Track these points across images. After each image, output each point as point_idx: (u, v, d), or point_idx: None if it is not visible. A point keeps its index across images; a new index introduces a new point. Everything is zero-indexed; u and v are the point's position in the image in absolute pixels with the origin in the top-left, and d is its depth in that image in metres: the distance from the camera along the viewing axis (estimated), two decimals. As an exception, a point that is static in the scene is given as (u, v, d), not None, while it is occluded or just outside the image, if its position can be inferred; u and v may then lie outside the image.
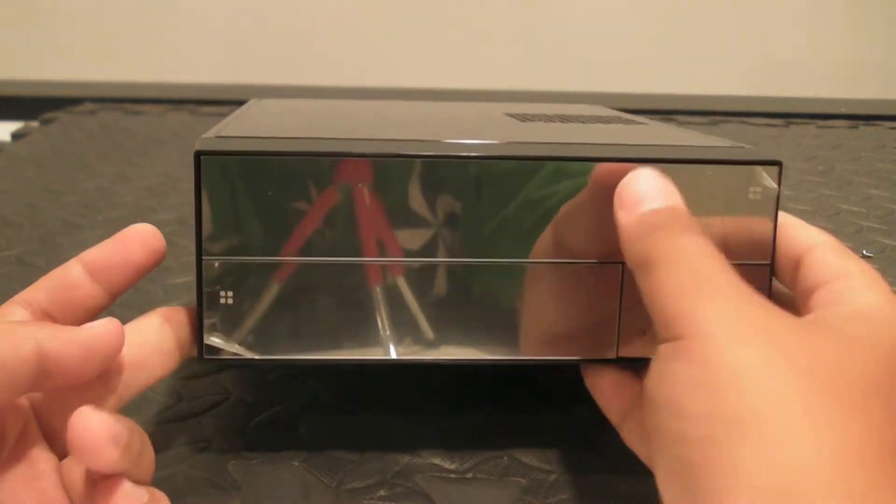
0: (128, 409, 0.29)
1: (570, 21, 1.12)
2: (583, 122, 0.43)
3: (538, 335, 0.32)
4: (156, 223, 0.32)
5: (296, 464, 0.34)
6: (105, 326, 0.27)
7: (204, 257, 0.31)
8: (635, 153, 0.31)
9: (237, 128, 0.35)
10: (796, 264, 0.31)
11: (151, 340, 0.30)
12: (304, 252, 0.31)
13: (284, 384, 0.40)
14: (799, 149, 0.87)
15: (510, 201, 0.31)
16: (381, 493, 0.33)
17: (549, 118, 0.44)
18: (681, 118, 0.99)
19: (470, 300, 0.32)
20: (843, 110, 1.08)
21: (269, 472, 0.34)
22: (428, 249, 0.32)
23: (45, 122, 0.91)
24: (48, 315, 0.30)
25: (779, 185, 0.32)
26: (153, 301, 0.49)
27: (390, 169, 0.31)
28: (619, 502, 0.33)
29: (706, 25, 1.13)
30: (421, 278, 0.32)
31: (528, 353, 0.33)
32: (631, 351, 0.33)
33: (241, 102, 0.50)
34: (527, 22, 1.12)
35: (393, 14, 1.10)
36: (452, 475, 0.34)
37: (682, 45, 1.13)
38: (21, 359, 0.25)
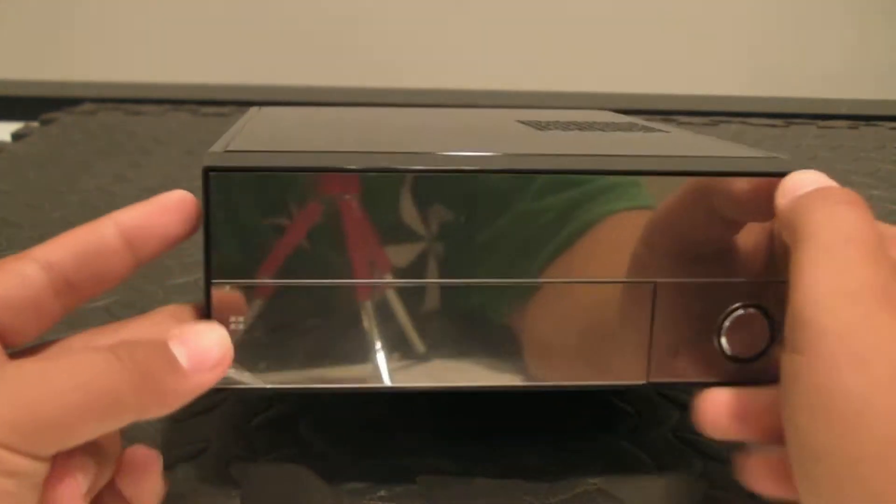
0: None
1: (571, 21, 1.12)
2: (602, 130, 0.41)
3: (559, 359, 0.31)
4: (156, 223, 0.31)
5: (296, 464, 0.34)
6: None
7: (213, 280, 0.29)
8: (689, 165, 0.30)
9: (244, 141, 0.33)
10: None
11: None
12: (316, 273, 0.29)
13: (284, 384, 0.39)
14: (799, 149, 0.87)
15: (528, 216, 0.30)
16: (381, 493, 0.33)
17: (565, 125, 0.42)
18: (681, 118, 0.99)
19: (491, 324, 0.30)
20: (844, 110, 1.08)
21: (269, 472, 0.34)
22: (444, 270, 0.30)
23: (45, 123, 0.91)
24: (69, 283, 0.27)
25: None
26: (154, 301, 0.49)
27: (404, 184, 0.29)
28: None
29: (706, 25, 1.13)
30: (434, 300, 0.30)
31: (546, 378, 0.31)
32: (663, 375, 0.31)
33: (241, 103, 0.50)
34: (527, 22, 1.12)
35: (393, 14, 1.11)
36: (452, 475, 0.34)
37: (682, 45, 1.13)
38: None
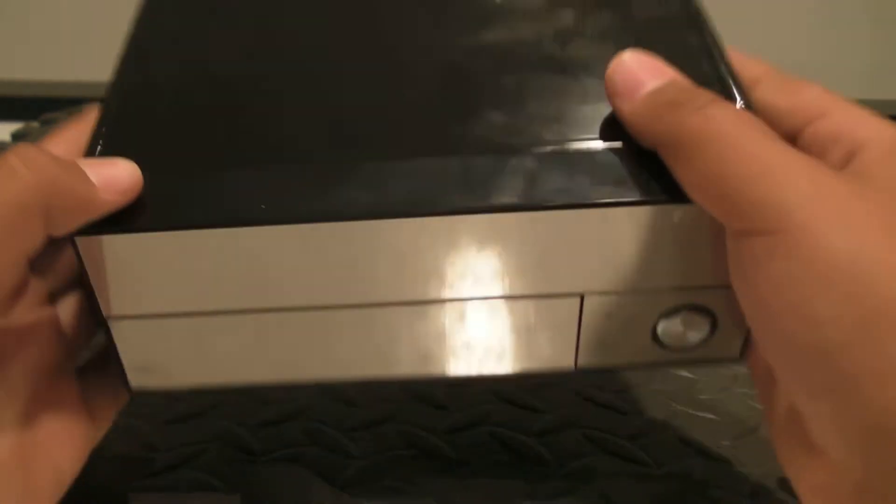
0: (131, 409, 0.30)
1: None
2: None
3: (490, 351, 0.31)
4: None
5: (296, 464, 0.34)
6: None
7: (111, 320, 0.28)
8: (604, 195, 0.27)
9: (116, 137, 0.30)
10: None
11: None
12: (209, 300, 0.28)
13: (284, 384, 0.40)
14: (799, 148, 0.88)
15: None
16: (382, 493, 0.33)
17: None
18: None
19: (419, 324, 0.30)
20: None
21: (269, 472, 0.34)
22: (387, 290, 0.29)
23: (45, 123, 0.92)
24: None
25: None
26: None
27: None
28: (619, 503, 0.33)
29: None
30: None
31: (476, 368, 0.31)
32: (590, 361, 0.31)
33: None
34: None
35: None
36: (453, 475, 0.34)
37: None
38: None
